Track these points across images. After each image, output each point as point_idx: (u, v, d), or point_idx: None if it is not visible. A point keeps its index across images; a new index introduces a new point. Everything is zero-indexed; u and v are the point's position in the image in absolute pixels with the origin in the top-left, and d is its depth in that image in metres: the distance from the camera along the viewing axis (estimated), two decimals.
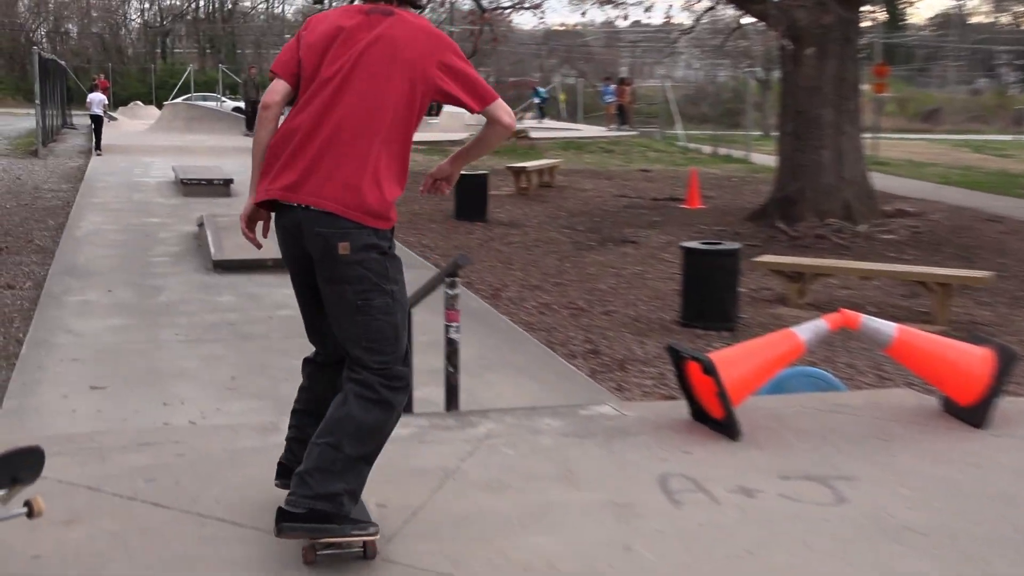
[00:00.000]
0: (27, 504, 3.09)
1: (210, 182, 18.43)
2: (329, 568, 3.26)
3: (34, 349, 8.30)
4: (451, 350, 4.97)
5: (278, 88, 3.37)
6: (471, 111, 3.31)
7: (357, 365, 3.22)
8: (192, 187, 18.32)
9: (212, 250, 11.94)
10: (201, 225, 13.47)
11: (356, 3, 3.41)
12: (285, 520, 3.13)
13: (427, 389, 6.28)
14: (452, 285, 4.94)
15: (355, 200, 3.17)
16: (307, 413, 3.47)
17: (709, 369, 4.59)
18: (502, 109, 3.30)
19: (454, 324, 4.95)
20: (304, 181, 3.21)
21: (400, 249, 12.90)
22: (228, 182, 18.34)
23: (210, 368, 7.89)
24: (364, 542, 3.26)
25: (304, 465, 3.18)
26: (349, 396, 3.20)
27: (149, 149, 27.71)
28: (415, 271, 11.69)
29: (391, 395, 3.22)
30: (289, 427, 3.53)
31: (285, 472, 3.49)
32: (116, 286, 10.86)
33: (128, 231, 14.50)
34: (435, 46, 3.26)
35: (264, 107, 3.37)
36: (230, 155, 23.87)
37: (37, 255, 12.65)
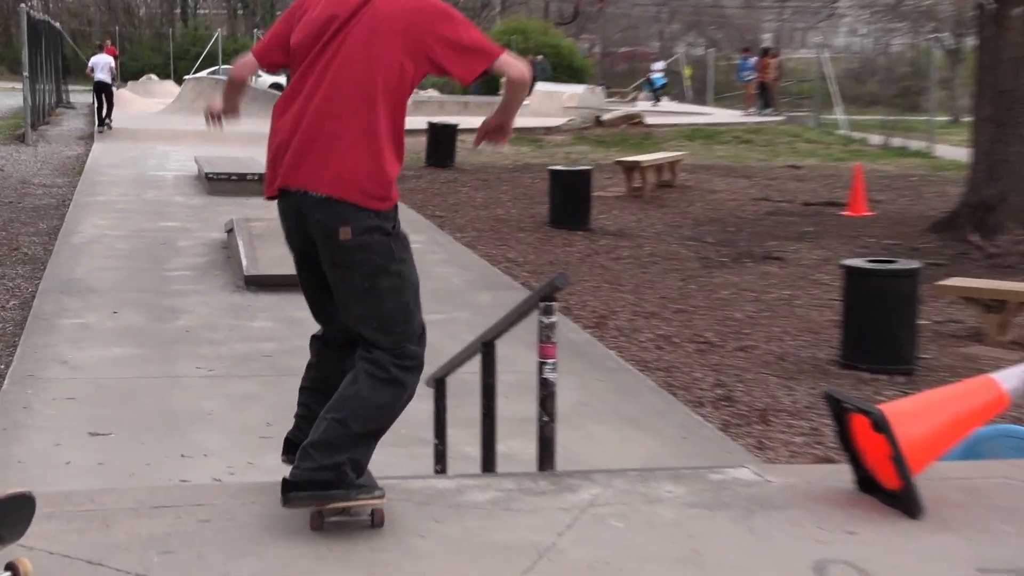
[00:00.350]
0: (10, 567, 3.14)
1: (242, 177, 18.80)
2: None
3: (19, 385, 8.50)
4: (545, 394, 4.94)
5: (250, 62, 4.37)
6: (463, 84, 4.00)
7: (369, 345, 3.97)
8: (219, 183, 18.73)
9: (244, 263, 12.14)
10: (230, 231, 13.72)
11: None
12: (290, 490, 3.92)
13: (514, 442, 6.29)
14: (547, 311, 4.91)
15: (352, 183, 3.88)
16: (315, 391, 4.24)
17: (880, 425, 4.52)
18: (506, 64, 3.90)
19: (550, 361, 4.92)
20: (299, 166, 3.98)
21: (482, 265, 12.58)
22: (263, 178, 18.67)
23: (240, 411, 8.01)
24: (372, 509, 3.99)
25: (310, 438, 3.95)
26: (360, 374, 3.94)
27: (166, 135, 28.33)
28: (499, 293, 11.76)
29: (402, 374, 3.96)
30: (298, 404, 4.32)
31: (292, 448, 4.23)
32: (123, 307, 11.09)
33: (139, 238, 14.83)
34: (425, 17, 3.93)
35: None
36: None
37: (24, 266, 12.98)
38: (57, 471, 6.78)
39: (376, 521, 3.99)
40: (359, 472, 3.95)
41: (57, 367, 9.01)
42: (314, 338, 4.32)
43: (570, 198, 16.75)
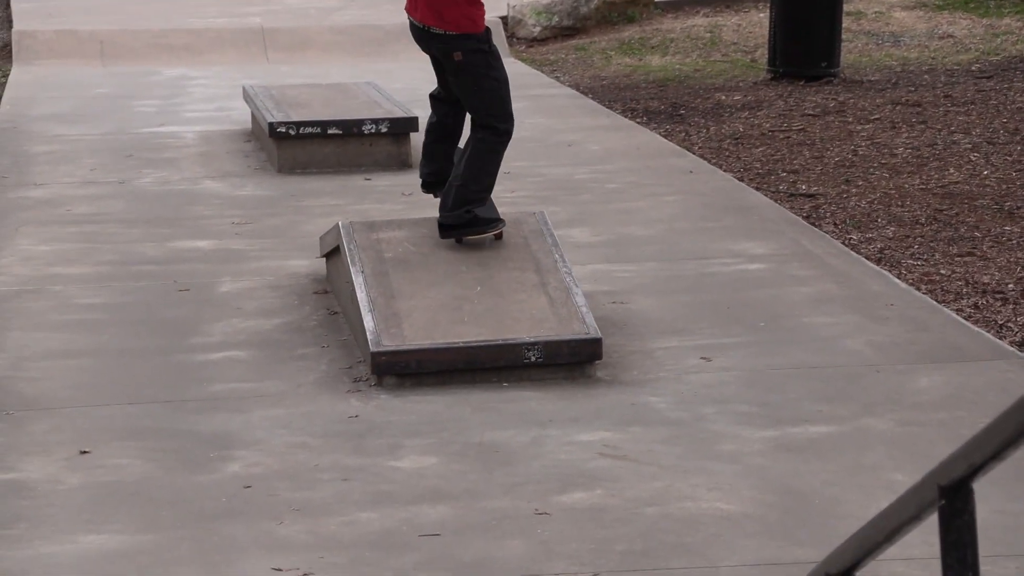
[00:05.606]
0: None
1: (353, 130, 10.15)
2: None
3: None
4: None
5: None
6: None
7: (477, 126, 6.47)
8: (300, 145, 10.11)
9: (369, 326, 6.38)
10: (331, 254, 7.36)
11: None
12: (443, 230, 6.59)
13: None
14: None
15: (454, 22, 6.40)
16: (437, 140, 6.78)
17: None
18: None
19: None
20: (424, 6, 6.56)
21: (914, 305, 7.34)
22: (407, 124, 10.05)
23: None
24: (494, 234, 6.63)
25: (444, 199, 6.55)
26: (470, 147, 6.46)
27: (175, 39, 17.03)
28: (958, 368, 6.87)
29: (499, 146, 6.50)
30: (424, 153, 6.84)
31: (431, 186, 6.81)
32: (102, 440, 5.79)
33: (129, 280, 7.70)
34: None
35: None
36: (397, 57, 13.81)
37: None
38: None
39: (499, 237, 6.57)
40: (484, 204, 6.50)
41: None
42: (432, 96, 6.72)
43: None
